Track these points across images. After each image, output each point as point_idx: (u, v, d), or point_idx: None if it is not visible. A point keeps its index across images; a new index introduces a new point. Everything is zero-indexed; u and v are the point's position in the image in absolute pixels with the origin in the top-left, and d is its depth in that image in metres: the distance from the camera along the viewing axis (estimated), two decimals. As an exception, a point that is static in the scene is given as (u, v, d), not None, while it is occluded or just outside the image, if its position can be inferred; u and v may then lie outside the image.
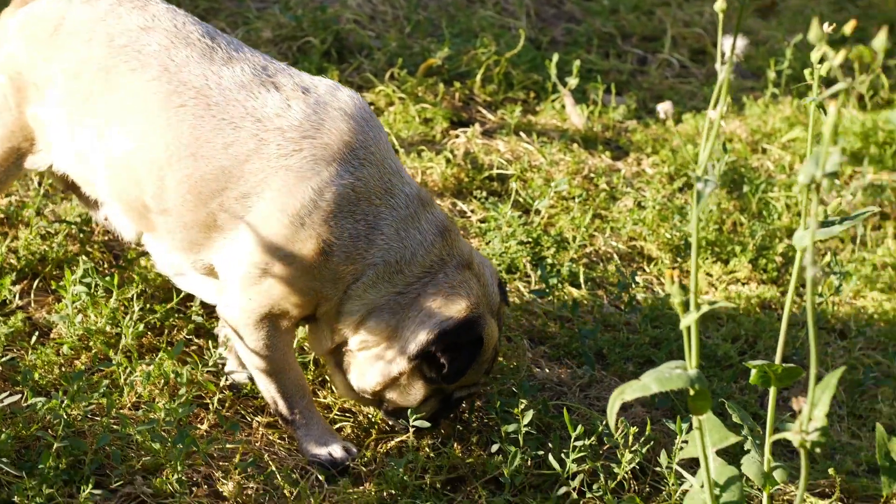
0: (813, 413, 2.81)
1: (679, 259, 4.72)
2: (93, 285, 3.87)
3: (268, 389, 3.55)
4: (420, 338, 3.45)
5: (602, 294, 4.48)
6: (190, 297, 3.90)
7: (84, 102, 3.48)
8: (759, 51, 6.11)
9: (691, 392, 2.89)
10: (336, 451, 3.55)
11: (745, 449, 3.31)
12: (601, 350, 4.17)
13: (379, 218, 3.42)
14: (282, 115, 3.40)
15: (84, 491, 3.20)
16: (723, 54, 2.80)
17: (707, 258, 4.72)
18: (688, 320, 2.82)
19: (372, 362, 3.52)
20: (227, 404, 3.68)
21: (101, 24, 3.51)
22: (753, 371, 3.07)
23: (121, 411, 3.53)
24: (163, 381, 3.61)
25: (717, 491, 3.03)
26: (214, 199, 3.40)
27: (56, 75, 3.52)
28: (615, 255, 4.68)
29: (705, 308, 2.84)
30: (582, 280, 4.46)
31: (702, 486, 2.99)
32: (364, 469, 3.54)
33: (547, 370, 4.06)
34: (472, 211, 4.75)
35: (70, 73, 3.50)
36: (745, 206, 4.99)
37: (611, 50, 5.98)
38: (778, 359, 3.03)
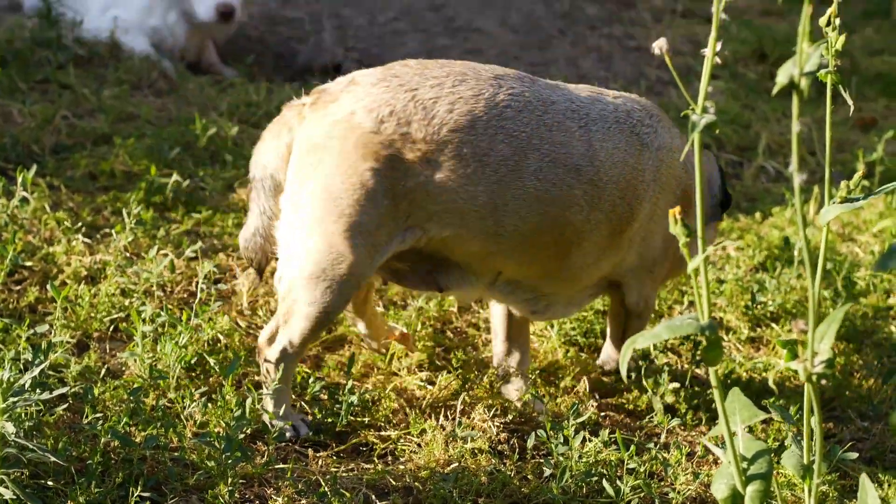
0: (818, 346, 2.76)
1: (758, 328, 4.68)
2: (164, 325, 4.00)
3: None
4: None
5: (675, 358, 4.45)
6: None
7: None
8: (856, 156, 6.11)
9: (703, 342, 2.86)
10: None
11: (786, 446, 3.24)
12: (672, 404, 4.13)
13: None
14: None
15: None
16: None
17: (786, 326, 4.66)
18: (695, 262, 2.81)
19: None
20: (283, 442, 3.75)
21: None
22: (786, 352, 3.02)
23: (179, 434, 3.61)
24: (221, 411, 3.68)
25: (744, 464, 2.95)
26: None
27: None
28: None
29: (711, 249, 2.84)
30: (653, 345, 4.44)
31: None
32: (421, 487, 3.54)
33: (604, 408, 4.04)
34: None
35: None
36: (830, 283, 4.93)
37: (707, 158, 6.07)
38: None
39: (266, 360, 3.71)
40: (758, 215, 5.54)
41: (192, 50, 6.64)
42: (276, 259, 3.76)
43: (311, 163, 3.58)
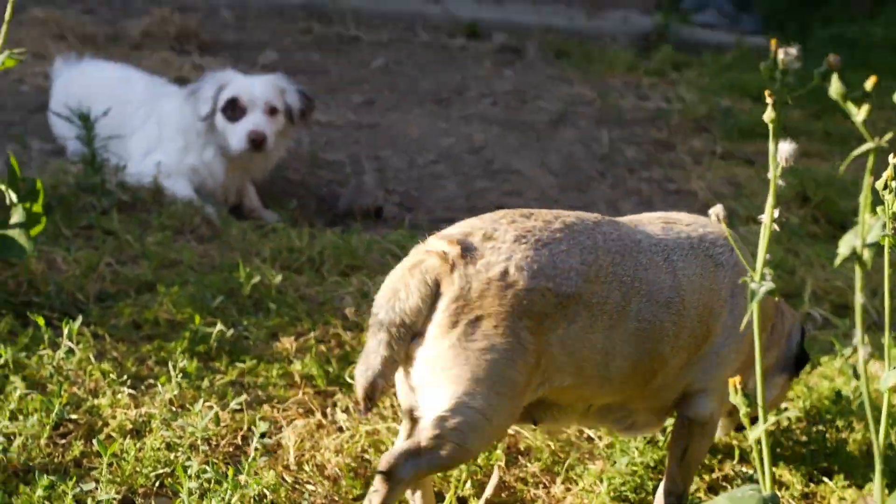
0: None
1: (811, 483, 4.60)
2: (209, 481, 3.95)
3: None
4: None
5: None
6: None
7: None
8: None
9: (766, 512, 2.80)
10: None
11: None
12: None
13: None
14: None
15: None
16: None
17: (839, 482, 4.58)
18: (757, 432, 2.76)
19: None
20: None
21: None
22: None
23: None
24: None
25: None
26: None
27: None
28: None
29: (774, 419, 2.79)
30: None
31: None
32: None
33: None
34: (599, 437, 4.73)
35: None
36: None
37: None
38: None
39: (387, 475, 3.64)
40: (807, 365, 5.47)
41: (233, 192, 6.68)
42: (393, 392, 3.81)
43: (466, 320, 3.59)
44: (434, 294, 3.63)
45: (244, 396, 4.53)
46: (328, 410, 4.63)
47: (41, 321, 4.57)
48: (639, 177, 7.59)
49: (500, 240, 3.66)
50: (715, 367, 4.00)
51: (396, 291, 3.67)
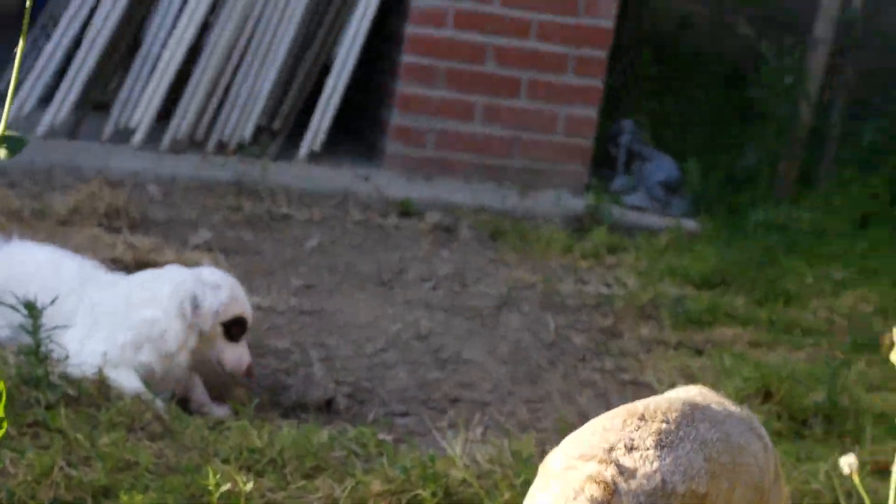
0: None
1: None
2: None
3: None
4: None
5: None
6: None
7: None
8: None
9: None
10: None
11: None
12: None
13: None
14: None
15: None
16: None
17: None
18: None
19: None
20: None
21: None
22: None
23: None
24: None
25: None
26: None
27: None
28: None
29: None
30: None
31: None
32: None
33: None
34: None
35: None
36: None
37: None
38: None
39: None
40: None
41: (180, 385, 6.39)
42: None
43: None
44: None
45: None
46: None
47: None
48: (591, 367, 7.45)
49: (642, 448, 3.60)
50: None
51: None
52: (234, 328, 6.23)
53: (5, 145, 4.53)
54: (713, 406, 3.95)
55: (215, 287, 6.18)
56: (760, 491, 3.88)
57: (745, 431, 3.91)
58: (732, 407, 4.05)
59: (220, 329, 6.21)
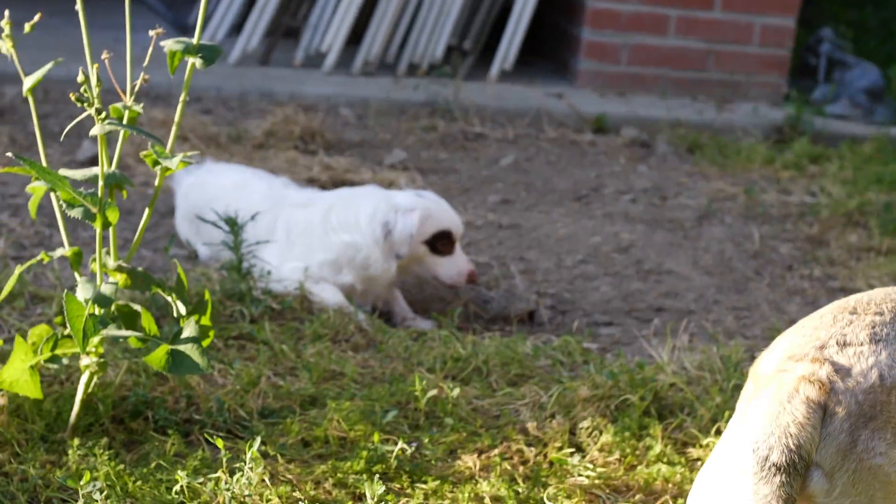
0: None
1: None
2: None
3: None
4: None
5: None
6: None
7: None
8: None
9: None
10: None
11: None
12: None
13: None
14: None
15: None
16: None
17: None
18: None
19: None
20: None
21: None
22: None
23: None
24: None
25: None
26: None
27: None
28: None
29: None
30: None
31: None
32: None
33: None
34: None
35: None
36: None
37: None
38: None
39: None
40: None
41: (381, 298, 6.36)
42: None
43: (862, 436, 3.30)
44: (822, 419, 3.34)
45: (436, 524, 4.18)
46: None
47: (220, 444, 4.26)
48: (798, 275, 7.21)
49: (856, 343, 3.40)
50: None
51: (785, 427, 3.34)
52: (438, 243, 6.16)
53: (201, 55, 4.55)
54: None
55: (407, 211, 6.10)
56: None
57: None
58: None
59: (423, 248, 6.15)
